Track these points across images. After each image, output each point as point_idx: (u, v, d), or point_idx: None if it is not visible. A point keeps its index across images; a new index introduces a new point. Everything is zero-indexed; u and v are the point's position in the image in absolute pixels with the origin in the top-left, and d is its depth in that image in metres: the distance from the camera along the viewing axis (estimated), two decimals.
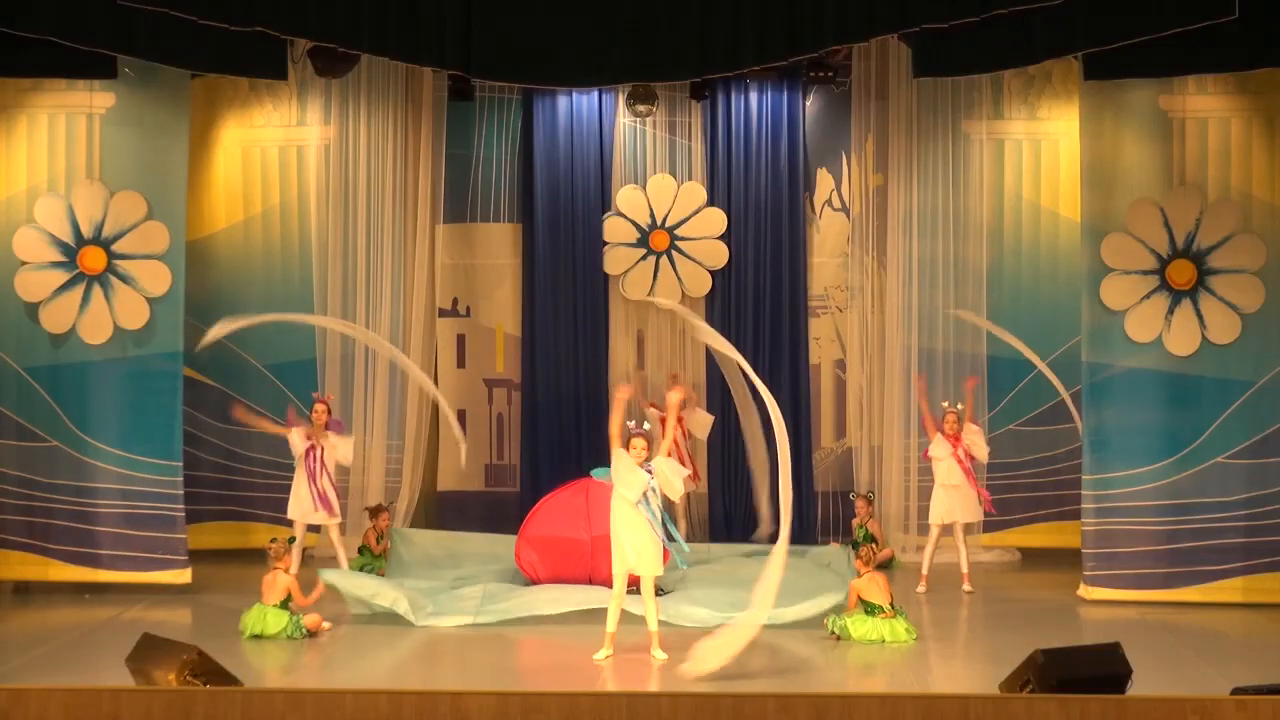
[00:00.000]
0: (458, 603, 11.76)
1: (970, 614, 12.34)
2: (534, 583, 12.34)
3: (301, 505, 12.76)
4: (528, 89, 14.75)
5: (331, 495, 12.74)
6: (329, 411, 12.89)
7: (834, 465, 15.12)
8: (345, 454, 12.87)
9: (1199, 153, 12.31)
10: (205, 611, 11.99)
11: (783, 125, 15.09)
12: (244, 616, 11.13)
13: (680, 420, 13.89)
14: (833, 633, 10.95)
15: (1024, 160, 14.34)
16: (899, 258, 14.47)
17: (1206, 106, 12.34)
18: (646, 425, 11.00)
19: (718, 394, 15.11)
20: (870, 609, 10.91)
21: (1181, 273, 12.27)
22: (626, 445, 10.38)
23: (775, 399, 14.75)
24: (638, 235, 15.12)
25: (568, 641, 11.06)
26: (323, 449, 12.73)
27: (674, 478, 10.37)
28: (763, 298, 15.10)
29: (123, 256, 12.57)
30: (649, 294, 15.05)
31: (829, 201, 15.18)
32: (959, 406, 13.14)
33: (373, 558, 13.39)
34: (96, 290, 12.56)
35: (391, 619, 11.38)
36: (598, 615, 11.53)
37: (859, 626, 10.84)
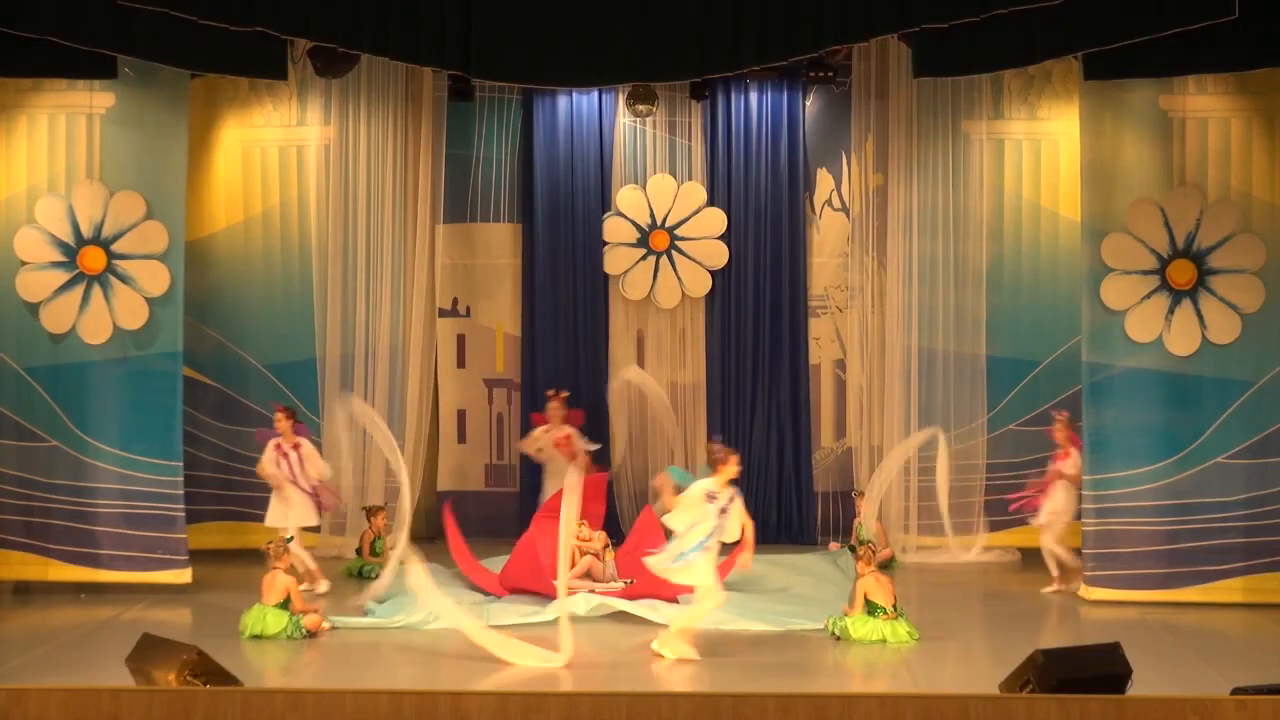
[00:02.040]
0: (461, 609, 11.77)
1: (970, 614, 12.34)
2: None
3: (273, 513, 12.75)
4: (528, 89, 14.75)
5: (308, 499, 12.70)
6: (291, 416, 12.83)
7: (834, 465, 15.12)
8: (319, 467, 12.79)
9: (1199, 153, 12.31)
10: (205, 611, 11.99)
11: (783, 125, 15.09)
12: (244, 617, 11.13)
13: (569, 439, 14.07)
14: (833, 633, 10.96)
15: (1024, 160, 14.34)
16: (899, 258, 14.46)
17: (1206, 106, 12.33)
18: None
19: (717, 395, 15.13)
20: (872, 609, 10.91)
21: (1182, 273, 12.26)
22: (718, 468, 10.32)
23: (775, 399, 15.00)
24: (638, 235, 15.12)
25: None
26: (299, 455, 12.68)
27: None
28: (763, 298, 15.10)
29: (122, 256, 12.57)
30: (648, 296, 15.08)
31: (829, 201, 15.18)
32: (1064, 413, 12.97)
33: (374, 555, 13.38)
34: (96, 290, 12.56)
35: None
36: (597, 616, 11.57)
37: (859, 627, 10.84)
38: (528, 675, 10.28)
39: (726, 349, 15.16)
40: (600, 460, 14.26)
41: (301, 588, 11.61)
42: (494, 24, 11.40)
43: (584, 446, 14.11)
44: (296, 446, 12.69)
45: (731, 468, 10.34)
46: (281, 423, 12.72)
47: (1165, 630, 11.27)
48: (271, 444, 12.72)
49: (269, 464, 12.65)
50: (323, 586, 12.52)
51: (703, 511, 10.25)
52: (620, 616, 11.52)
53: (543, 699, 8.00)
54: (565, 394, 14.40)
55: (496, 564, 12.91)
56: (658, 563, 10.48)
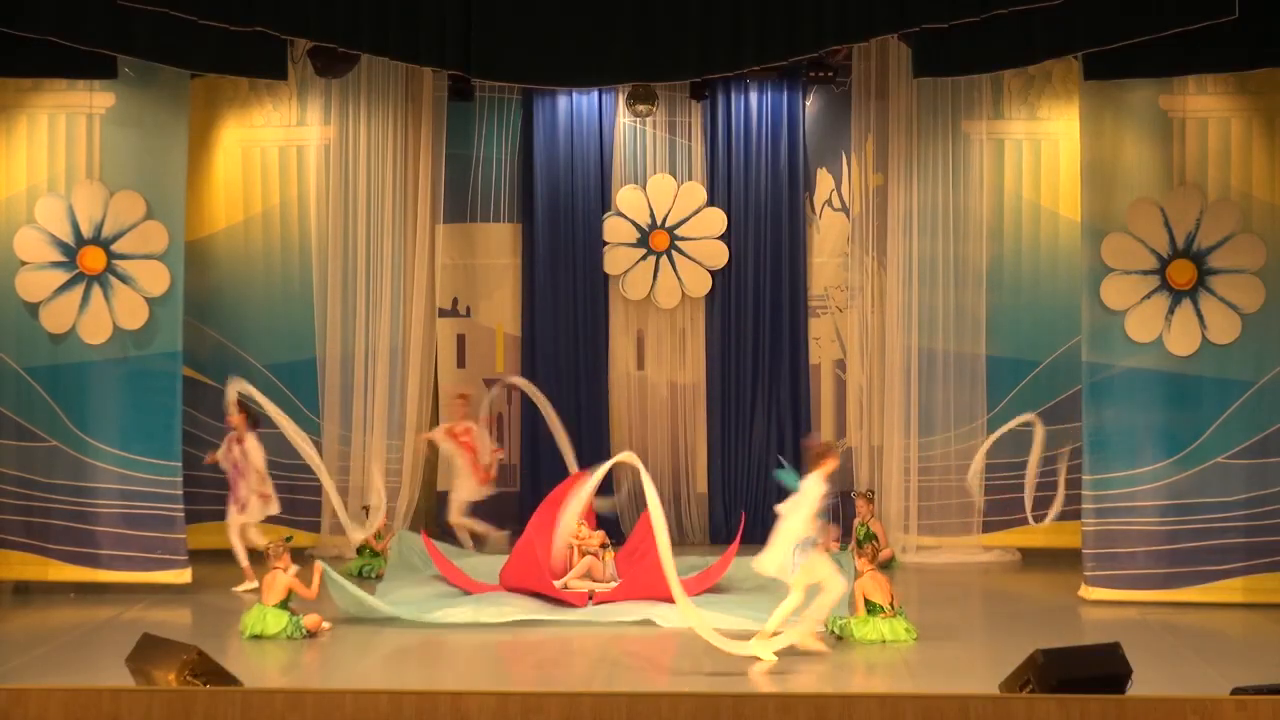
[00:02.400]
0: (457, 606, 11.78)
1: (970, 614, 12.34)
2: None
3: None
4: (528, 89, 14.75)
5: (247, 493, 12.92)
6: (242, 410, 12.91)
7: None
8: (256, 463, 12.94)
9: (1199, 153, 12.31)
10: (205, 611, 12.00)
11: (783, 125, 15.08)
12: (244, 617, 11.14)
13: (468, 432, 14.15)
14: (833, 633, 10.95)
15: (1024, 160, 14.33)
16: (899, 258, 14.45)
17: (1206, 106, 12.34)
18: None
19: (717, 395, 15.13)
20: (871, 608, 10.91)
21: (1182, 273, 12.26)
22: (819, 462, 10.46)
23: (775, 399, 14.99)
24: (638, 235, 15.12)
25: (568, 641, 11.06)
26: (242, 449, 12.84)
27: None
28: (763, 298, 15.10)
29: (122, 256, 12.57)
30: (648, 296, 15.08)
31: (829, 201, 15.17)
32: None
33: (372, 556, 13.42)
34: (96, 290, 12.56)
35: (391, 619, 11.39)
36: (599, 615, 11.58)
37: (860, 627, 10.84)
38: (527, 675, 10.29)
39: (726, 349, 15.16)
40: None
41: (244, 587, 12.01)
42: (494, 24, 11.40)
43: (487, 445, 14.20)
44: (240, 440, 12.78)
45: (833, 462, 10.54)
46: (234, 416, 12.81)
47: (1165, 630, 11.27)
48: (228, 437, 12.90)
49: (221, 453, 12.90)
50: (248, 585, 12.60)
51: (817, 509, 10.42)
52: (619, 616, 11.53)
53: (543, 699, 8.00)
54: (468, 395, 14.42)
55: (495, 565, 12.90)
56: (777, 568, 10.43)
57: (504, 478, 15.22)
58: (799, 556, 10.27)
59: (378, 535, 13.50)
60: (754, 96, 15.08)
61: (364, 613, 11.48)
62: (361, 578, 13.22)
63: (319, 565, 11.48)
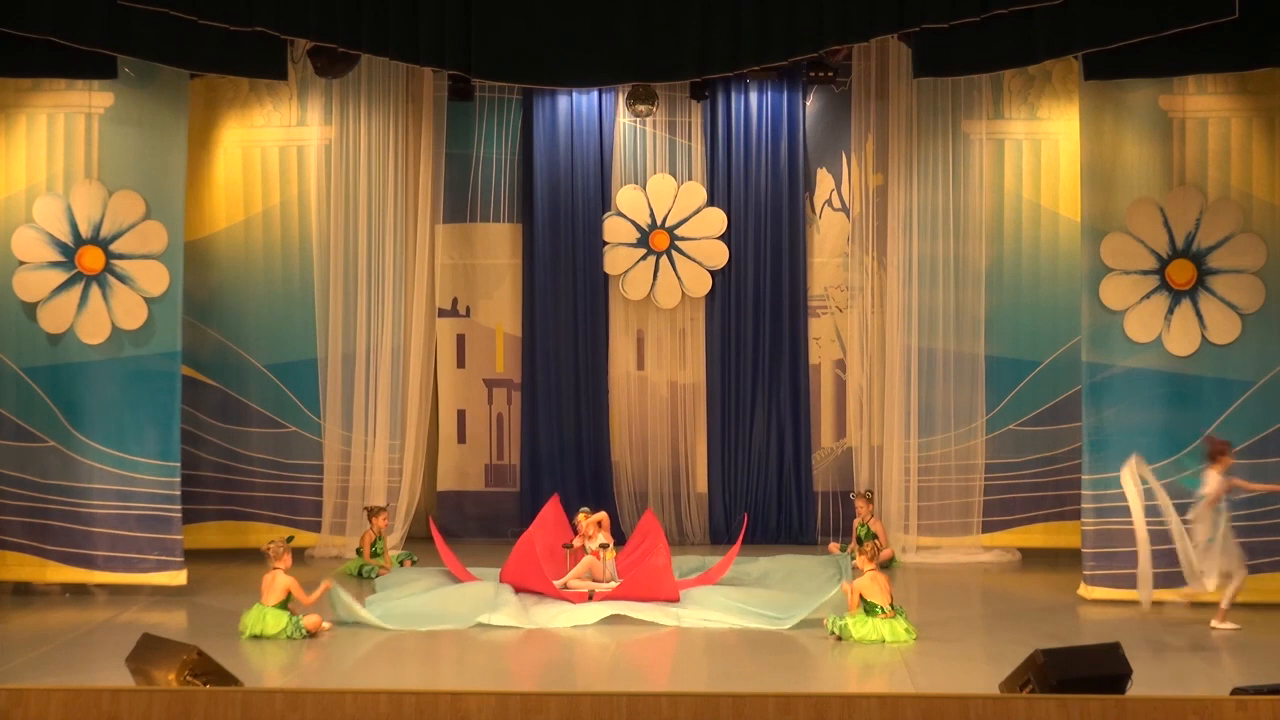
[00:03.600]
0: (464, 604, 11.78)
1: (970, 614, 12.33)
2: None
3: None
4: (528, 89, 14.75)
5: None
6: None
7: (834, 465, 15.12)
8: None
9: (1199, 153, 12.31)
10: (203, 612, 11.98)
11: (783, 125, 15.08)
12: (244, 617, 11.13)
13: None
14: (833, 633, 10.95)
15: (1024, 160, 14.33)
16: (899, 258, 14.46)
17: (1206, 106, 12.34)
18: None
19: (717, 395, 15.12)
20: (870, 608, 10.91)
21: (1181, 273, 12.27)
22: (1216, 458, 11.22)
23: (775, 399, 15.00)
24: (638, 235, 15.11)
25: (568, 641, 11.06)
26: None
27: None
28: (763, 298, 15.09)
29: (121, 256, 12.56)
30: (648, 296, 15.07)
31: (829, 201, 15.17)
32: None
33: (372, 556, 13.38)
34: (95, 290, 12.55)
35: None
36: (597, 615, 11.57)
37: (859, 626, 10.84)
38: (527, 675, 10.28)
39: (726, 349, 15.16)
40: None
41: None
42: (494, 24, 11.41)
43: None
44: None
45: (1229, 459, 11.22)
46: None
47: (1165, 630, 11.27)
48: None
49: None
50: None
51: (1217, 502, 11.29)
52: (619, 617, 11.53)
53: (543, 699, 8.00)
54: None
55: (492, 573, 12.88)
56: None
57: (504, 478, 15.25)
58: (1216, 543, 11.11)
59: (377, 539, 13.46)
60: (754, 96, 15.08)
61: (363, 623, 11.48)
62: (362, 577, 13.23)
63: (327, 583, 11.38)
